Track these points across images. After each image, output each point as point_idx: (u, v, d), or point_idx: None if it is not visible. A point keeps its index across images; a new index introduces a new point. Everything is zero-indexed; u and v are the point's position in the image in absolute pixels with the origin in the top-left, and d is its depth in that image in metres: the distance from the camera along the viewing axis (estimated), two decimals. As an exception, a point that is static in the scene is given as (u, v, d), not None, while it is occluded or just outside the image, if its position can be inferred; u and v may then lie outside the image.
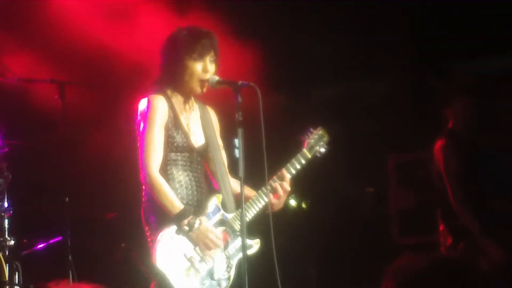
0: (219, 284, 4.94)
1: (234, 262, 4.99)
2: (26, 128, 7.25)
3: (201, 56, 5.01)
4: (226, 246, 4.98)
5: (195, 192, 5.05)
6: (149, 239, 4.94)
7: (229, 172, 5.22)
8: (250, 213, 5.01)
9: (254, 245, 5.06)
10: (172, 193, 4.88)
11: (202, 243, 4.88)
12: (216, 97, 5.25)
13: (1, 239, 6.42)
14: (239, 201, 4.81)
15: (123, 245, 7.45)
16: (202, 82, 5.04)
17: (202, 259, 4.89)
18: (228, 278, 4.98)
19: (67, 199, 6.33)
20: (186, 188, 5.02)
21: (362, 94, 8.72)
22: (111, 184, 7.34)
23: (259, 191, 5.07)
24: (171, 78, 5.09)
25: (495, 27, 7.80)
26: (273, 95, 5.28)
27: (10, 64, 6.67)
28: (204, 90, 5.06)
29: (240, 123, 4.69)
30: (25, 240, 6.78)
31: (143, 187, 5.01)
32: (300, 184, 5.43)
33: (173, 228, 4.86)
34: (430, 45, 8.20)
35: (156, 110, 4.97)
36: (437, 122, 6.43)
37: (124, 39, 7.05)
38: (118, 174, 6.96)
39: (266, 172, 4.86)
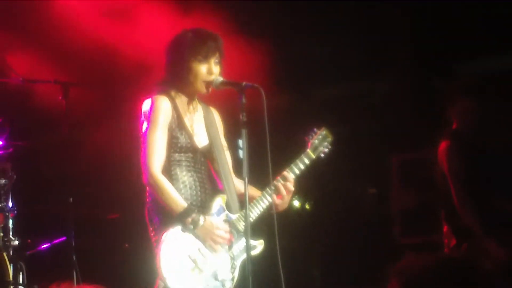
0: (223, 285, 4.94)
1: (238, 262, 5.00)
2: (30, 129, 7.26)
3: (206, 58, 5.03)
4: (230, 247, 4.99)
5: (199, 193, 5.06)
6: (153, 240, 4.95)
7: (233, 172, 5.23)
8: (254, 213, 5.01)
9: (258, 246, 5.07)
10: (175, 192, 4.89)
11: (209, 239, 4.89)
12: (220, 98, 5.27)
13: (6, 239, 6.41)
14: (243, 202, 4.82)
15: (126, 245, 7.47)
16: (207, 83, 5.06)
17: (207, 260, 4.90)
18: (232, 279, 4.98)
19: (71, 199, 6.34)
20: (190, 188, 5.03)
21: (364, 94, 8.73)
22: (115, 184, 7.34)
23: (263, 192, 5.08)
24: (176, 79, 5.10)
25: (495, 27, 7.81)
26: (276, 96, 5.28)
27: (14, 64, 6.68)
28: (209, 90, 5.08)
29: (244, 124, 4.70)
30: (29, 240, 6.78)
31: (147, 188, 5.01)
32: (303, 185, 5.45)
33: (177, 228, 4.86)
34: (430, 45, 8.21)
35: (160, 111, 4.99)
36: (438, 122, 6.44)
37: (127, 39, 7.04)
38: (122, 175, 6.97)
39: (271, 173, 4.88)
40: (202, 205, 5.02)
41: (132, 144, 5.27)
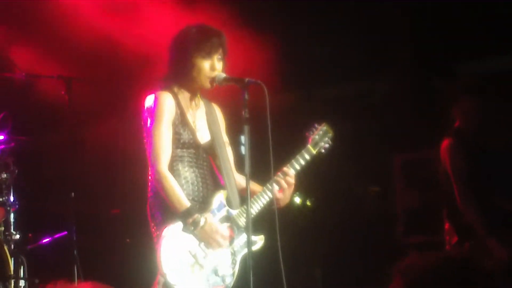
0: (223, 280, 4.95)
1: (239, 258, 5.00)
2: (33, 124, 7.27)
3: (209, 55, 5.04)
4: (231, 242, 4.99)
5: (201, 188, 5.06)
6: (154, 235, 4.95)
7: (235, 168, 5.25)
8: (255, 209, 5.02)
9: (259, 241, 5.07)
10: (180, 190, 4.90)
11: (207, 242, 4.90)
12: (223, 94, 5.28)
13: (7, 233, 6.44)
14: (244, 197, 4.84)
15: (127, 240, 7.48)
16: (210, 79, 5.07)
17: (207, 255, 4.91)
18: (233, 274, 4.98)
19: (72, 194, 6.33)
20: (192, 184, 5.04)
21: (365, 94, 8.74)
22: (117, 179, 7.36)
23: (264, 187, 5.09)
24: (178, 75, 5.11)
25: (495, 27, 7.82)
26: (278, 93, 5.29)
27: (17, 59, 6.69)
28: (213, 86, 5.09)
29: (247, 120, 4.71)
30: (30, 235, 6.81)
31: (149, 183, 5.02)
32: (304, 182, 5.46)
33: (178, 224, 4.87)
34: (430, 45, 8.22)
35: (164, 107, 4.99)
36: (439, 121, 6.46)
37: (131, 33, 7.05)
38: (123, 170, 6.99)
39: (272, 169, 4.89)
40: (203, 201, 5.03)
41: (134, 140, 5.28)
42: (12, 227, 6.48)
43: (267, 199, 5.06)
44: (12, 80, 6.63)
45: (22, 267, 6.45)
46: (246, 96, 4.78)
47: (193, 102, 5.18)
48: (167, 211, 4.93)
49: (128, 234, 7.47)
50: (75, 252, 6.37)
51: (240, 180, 5.20)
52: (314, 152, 5.24)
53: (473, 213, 5.96)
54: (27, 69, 6.65)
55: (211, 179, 5.16)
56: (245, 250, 4.91)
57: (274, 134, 4.72)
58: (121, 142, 6.83)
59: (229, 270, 4.98)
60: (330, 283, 8.18)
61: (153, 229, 4.99)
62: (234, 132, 5.28)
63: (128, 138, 5.82)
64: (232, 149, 5.28)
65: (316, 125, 5.33)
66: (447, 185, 6.08)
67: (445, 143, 6.12)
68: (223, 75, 5.06)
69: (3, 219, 6.51)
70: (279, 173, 5.11)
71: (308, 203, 8.36)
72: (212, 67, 5.05)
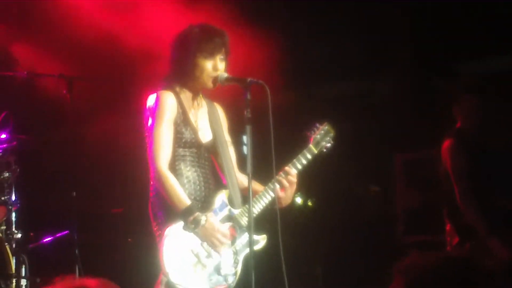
0: (225, 280, 4.95)
1: (241, 257, 5.01)
2: (34, 123, 7.27)
3: (212, 55, 5.04)
4: (233, 242, 5.00)
5: (203, 188, 5.07)
6: (156, 234, 4.96)
7: (237, 168, 5.25)
8: (257, 208, 5.02)
9: (261, 241, 5.07)
10: (180, 189, 4.90)
11: (209, 240, 4.91)
12: (225, 94, 5.29)
13: (8, 232, 6.45)
14: (246, 197, 4.84)
15: (129, 240, 7.48)
16: (212, 79, 5.08)
17: (209, 255, 4.91)
18: (235, 274, 4.99)
19: (74, 193, 6.33)
20: (194, 183, 5.04)
21: (366, 93, 8.74)
22: (119, 179, 7.35)
23: (266, 187, 5.10)
24: (181, 74, 5.11)
25: (495, 27, 7.82)
26: (279, 92, 5.29)
27: (19, 58, 6.69)
28: (215, 86, 5.09)
29: (249, 120, 4.71)
30: (32, 234, 6.81)
31: (151, 182, 5.02)
32: (306, 182, 5.46)
33: (180, 223, 4.87)
34: (430, 45, 8.23)
35: (165, 106, 5.00)
36: (439, 121, 6.46)
37: (133, 32, 7.05)
38: (125, 169, 6.98)
39: (274, 169, 4.90)
40: (205, 200, 5.04)
41: (136, 139, 5.27)
42: (13, 226, 6.48)
43: (269, 198, 5.06)
44: (14, 78, 6.63)
45: (23, 266, 6.45)
46: (248, 96, 4.78)
47: (195, 102, 5.19)
48: (169, 210, 4.93)
49: (130, 234, 7.46)
50: (76, 251, 6.35)
51: (242, 179, 5.20)
52: (316, 151, 5.24)
53: (473, 213, 5.97)
54: (29, 67, 6.66)
55: (213, 178, 5.17)
56: (247, 250, 4.91)
57: (275, 134, 4.72)
58: (123, 141, 6.81)
59: (231, 270, 4.98)
60: (331, 282, 8.18)
61: (155, 229, 4.99)
62: (236, 131, 5.28)
63: (129, 137, 5.81)
64: (234, 149, 5.28)
65: (317, 125, 5.33)
66: (448, 185, 6.08)
67: (446, 144, 6.12)
68: (225, 75, 5.06)
69: (5, 218, 6.51)
70: (281, 173, 5.11)
71: (310, 203, 8.36)
72: (215, 67, 5.06)
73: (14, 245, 6.41)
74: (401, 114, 8.38)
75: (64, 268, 6.12)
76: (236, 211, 5.06)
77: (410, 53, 8.54)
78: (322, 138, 5.29)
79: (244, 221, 5.01)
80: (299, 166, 5.17)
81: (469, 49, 7.98)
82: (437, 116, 6.69)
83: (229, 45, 5.12)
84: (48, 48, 7.20)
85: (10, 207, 6.45)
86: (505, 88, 6.94)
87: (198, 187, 5.05)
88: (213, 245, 4.91)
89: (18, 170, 6.48)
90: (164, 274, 4.85)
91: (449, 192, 6.06)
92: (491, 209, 5.98)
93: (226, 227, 4.98)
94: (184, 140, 5.05)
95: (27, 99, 7.16)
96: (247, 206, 4.87)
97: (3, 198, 6.43)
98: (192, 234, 4.89)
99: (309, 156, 5.21)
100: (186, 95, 5.14)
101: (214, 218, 4.95)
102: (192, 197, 4.98)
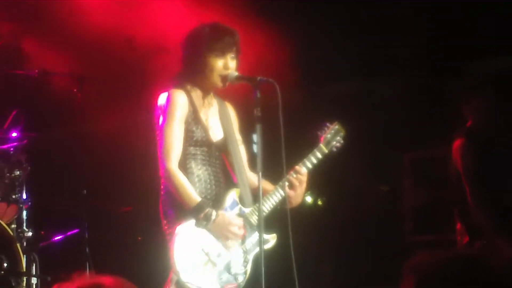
0: (235, 279, 4.96)
1: (251, 256, 5.01)
2: (45, 121, 7.27)
3: (223, 53, 5.04)
4: (243, 241, 5.00)
5: (213, 187, 5.07)
6: (166, 233, 4.96)
7: (248, 167, 5.25)
8: (267, 207, 5.01)
9: (271, 240, 5.08)
10: (190, 186, 4.90)
11: (222, 234, 4.91)
12: (235, 93, 5.29)
13: (19, 230, 6.46)
14: (257, 195, 4.84)
15: (139, 238, 7.48)
16: (222, 77, 5.08)
17: (220, 253, 4.92)
18: (245, 273, 4.99)
19: (84, 191, 6.35)
20: (205, 182, 5.05)
21: (376, 91, 8.72)
22: (129, 177, 7.34)
23: (276, 186, 5.09)
24: (192, 73, 5.11)
25: (502, 27, 7.80)
26: (289, 91, 5.29)
27: (30, 57, 6.71)
28: (226, 85, 5.09)
29: (259, 118, 4.71)
30: (42, 232, 6.82)
31: (162, 181, 5.03)
32: (316, 181, 5.46)
33: (191, 221, 4.87)
34: (439, 44, 8.21)
35: (176, 105, 5.00)
36: (450, 119, 6.44)
37: (143, 30, 7.05)
38: (136, 168, 6.98)
39: (284, 167, 4.90)
40: (216, 199, 5.04)
41: (147, 137, 5.28)
42: (24, 224, 6.50)
43: (280, 197, 5.06)
44: (25, 77, 6.65)
45: (34, 264, 6.47)
46: (258, 95, 4.78)
47: (206, 100, 5.19)
48: (179, 208, 4.93)
49: (140, 232, 7.47)
50: (87, 249, 6.38)
51: (252, 178, 5.20)
52: (326, 151, 5.24)
53: (484, 213, 5.94)
54: (39, 66, 6.66)
55: (224, 177, 5.18)
56: (257, 249, 4.90)
57: (285, 132, 4.72)
58: (133, 139, 6.81)
59: (242, 269, 4.99)
60: (341, 280, 8.18)
61: (165, 227, 5.00)
62: (246, 130, 5.28)
63: (140, 136, 5.82)
64: (244, 148, 5.28)
65: (328, 124, 5.33)
66: (459, 185, 6.06)
67: (457, 143, 6.08)
68: (236, 73, 5.06)
69: (16, 217, 6.53)
70: (292, 172, 5.11)
71: (320, 202, 8.36)
72: (225, 66, 5.06)
73: (25, 244, 6.42)
74: (411, 113, 8.36)
75: (75, 267, 6.14)
76: (246, 210, 5.06)
77: (421, 51, 8.51)
78: (332, 138, 5.28)
79: (254, 220, 5.02)
80: (309, 165, 5.16)
81: (479, 47, 7.95)
82: (447, 114, 6.66)
83: (239, 44, 5.12)
84: (58, 46, 7.20)
85: (21, 205, 6.46)
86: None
87: (209, 185, 5.06)
88: (227, 238, 4.90)
89: (28, 168, 6.49)
90: (174, 273, 4.85)
91: (460, 192, 6.04)
92: (502, 208, 5.96)
93: (239, 219, 4.98)
94: (195, 138, 5.06)
95: (37, 98, 7.17)
96: (257, 205, 4.86)
97: (14, 197, 6.44)
98: (202, 232, 4.89)
99: (319, 156, 5.20)
100: (197, 94, 5.14)
101: (226, 212, 4.95)
102: (203, 196, 4.98)
